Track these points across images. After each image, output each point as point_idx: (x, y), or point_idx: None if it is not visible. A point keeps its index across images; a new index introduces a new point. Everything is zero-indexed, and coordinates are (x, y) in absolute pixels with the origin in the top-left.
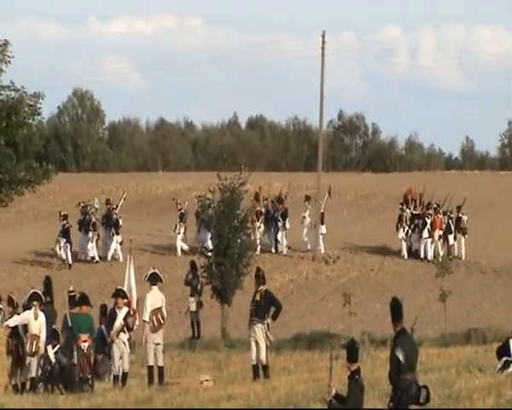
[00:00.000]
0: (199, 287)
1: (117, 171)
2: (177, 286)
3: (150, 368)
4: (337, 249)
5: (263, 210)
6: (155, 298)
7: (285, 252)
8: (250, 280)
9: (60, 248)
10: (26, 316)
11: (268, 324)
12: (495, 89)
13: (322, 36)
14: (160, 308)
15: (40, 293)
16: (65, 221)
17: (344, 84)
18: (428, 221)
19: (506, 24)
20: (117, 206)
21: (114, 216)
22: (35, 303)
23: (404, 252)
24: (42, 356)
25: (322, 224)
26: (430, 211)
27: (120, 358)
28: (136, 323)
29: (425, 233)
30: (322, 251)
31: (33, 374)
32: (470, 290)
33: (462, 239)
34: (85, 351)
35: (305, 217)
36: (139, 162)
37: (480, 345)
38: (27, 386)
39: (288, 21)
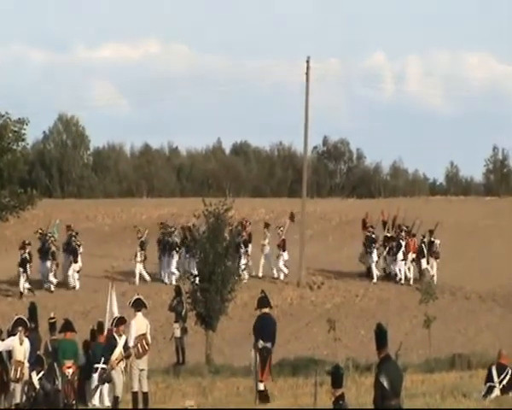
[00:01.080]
0: (183, 313)
1: (102, 196)
2: (161, 312)
3: (135, 394)
4: (321, 275)
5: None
6: (140, 324)
7: (246, 280)
8: (234, 306)
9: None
10: (11, 342)
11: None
12: (480, 114)
13: (307, 61)
14: (144, 334)
15: (25, 319)
16: (23, 250)
17: (329, 110)
18: (403, 244)
19: (492, 50)
20: (77, 233)
21: (74, 243)
22: (20, 329)
23: (375, 275)
24: (26, 382)
25: (284, 250)
26: (403, 234)
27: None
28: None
29: (400, 256)
30: (282, 277)
31: (17, 400)
32: (455, 316)
33: (435, 263)
34: (69, 377)
35: (264, 245)
36: (124, 188)
37: (464, 371)
38: None
39: (272, 47)
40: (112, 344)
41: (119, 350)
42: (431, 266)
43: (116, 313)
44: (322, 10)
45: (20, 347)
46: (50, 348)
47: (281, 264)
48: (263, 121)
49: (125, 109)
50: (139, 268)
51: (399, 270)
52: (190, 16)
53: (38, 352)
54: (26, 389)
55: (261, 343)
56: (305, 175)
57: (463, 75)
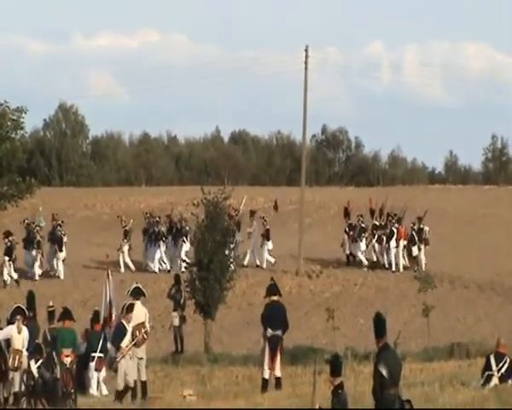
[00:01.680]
0: (182, 301)
1: (100, 185)
2: (160, 301)
3: (133, 383)
4: (320, 264)
5: None
6: (138, 313)
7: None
8: (233, 295)
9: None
10: (9, 331)
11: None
12: (479, 103)
13: (306, 50)
14: (143, 323)
15: (23, 307)
16: (6, 239)
17: (327, 99)
18: (395, 231)
19: (490, 39)
20: (62, 222)
21: (59, 233)
22: (18, 318)
23: (365, 262)
24: (25, 371)
25: (268, 240)
26: (394, 221)
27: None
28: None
29: (392, 243)
30: (264, 266)
31: (16, 389)
32: (453, 305)
33: (423, 250)
34: (68, 366)
35: (250, 232)
36: (122, 177)
37: (463, 359)
38: (10, 401)
39: (271, 36)
40: (121, 332)
41: (128, 338)
42: (420, 253)
43: (113, 301)
44: None
45: (18, 335)
46: (49, 337)
47: (265, 253)
48: (261, 110)
49: (124, 98)
50: (123, 257)
51: (394, 257)
52: (189, 5)
53: (37, 340)
54: (24, 377)
55: (270, 332)
56: (304, 164)
57: (462, 64)
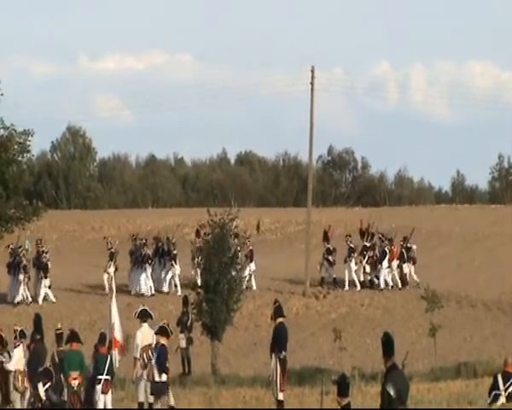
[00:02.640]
0: (189, 323)
1: (107, 207)
2: (168, 323)
3: (140, 405)
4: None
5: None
6: (146, 335)
7: None
8: (240, 316)
9: None
10: (18, 356)
11: (279, 356)
12: (485, 122)
13: (312, 71)
14: (150, 345)
15: (24, 330)
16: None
17: (334, 119)
18: (388, 251)
19: (495, 58)
20: (47, 248)
21: (44, 259)
22: (22, 341)
23: (357, 284)
24: (32, 394)
25: (251, 261)
26: (386, 241)
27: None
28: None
29: (385, 263)
30: (254, 288)
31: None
32: (460, 324)
33: (412, 268)
34: (75, 388)
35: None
36: (129, 198)
37: (470, 379)
38: None
39: (277, 56)
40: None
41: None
42: (411, 272)
43: (117, 324)
44: (327, 19)
45: (22, 358)
46: (57, 360)
47: (247, 274)
48: (268, 131)
49: (131, 120)
50: (109, 279)
51: (383, 277)
52: (195, 27)
53: (45, 363)
54: (32, 400)
55: (283, 354)
56: (311, 184)
57: (468, 83)
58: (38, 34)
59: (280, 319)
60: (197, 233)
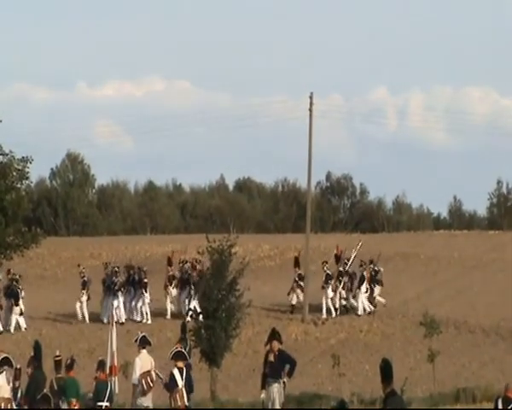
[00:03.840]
0: (187, 350)
1: (106, 234)
2: (166, 349)
3: None
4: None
5: (176, 274)
6: (144, 362)
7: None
8: (239, 342)
9: None
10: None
11: (284, 382)
12: (483, 148)
13: (310, 97)
14: (149, 371)
15: (10, 358)
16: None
17: (332, 145)
18: (366, 276)
19: (494, 84)
20: (19, 276)
21: (15, 288)
22: (5, 368)
23: (333, 310)
24: None
25: (196, 292)
26: (364, 267)
27: None
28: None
29: (363, 288)
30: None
31: None
32: (459, 350)
33: (379, 290)
34: None
35: None
36: (128, 225)
37: (469, 404)
38: None
39: (275, 83)
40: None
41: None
42: (378, 294)
43: (114, 351)
44: (325, 46)
45: (7, 385)
46: (56, 387)
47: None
48: (266, 157)
49: (130, 147)
50: (82, 308)
51: (361, 302)
52: (193, 53)
53: (45, 390)
54: None
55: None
56: (309, 211)
57: (466, 109)
58: (37, 61)
59: (280, 346)
60: (169, 261)
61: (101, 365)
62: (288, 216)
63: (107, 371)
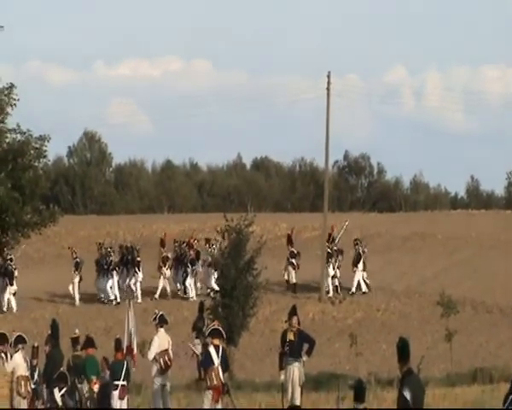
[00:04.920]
0: (204, 329)
1: (123, 213)
2: (183, 328)
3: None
4: (343, 290)
5: (169, 255)
6: (162, 340)
7: (195, 298)
8: (256, 321)
9: None
10: (17, 360)
11: (304, 362)
12: (501, 128)
13: (328, 77)
14: (166, 350)
15: (24, 336)
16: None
17: (349, 125)
18: (362, 255)
19: (511, 63)
20: (12, 258)
21: (9, 267)
22: (20, 346)
23: (331, 289)
24: (48, 399)
25: (216, 269)
26: (360, 245)
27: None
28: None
29: (360, 266)
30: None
31: None
32: (476, 330)
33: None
34: (96, 394)
35: (205, 260)
36: (145, 204)
37: (486, 384)
38: None
39: (293, 62)
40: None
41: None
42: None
43: (132, 330)
44: (342, 26)
45: (23, 363)
46: (73, 365)
47: (212, 282)
48: (283, 137)
49: (147, 126)
50: (73, 289)
51: (357, 280)
52: (211, 32)
53: (61, 368)
54: (48, 405)
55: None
56: (327, 190)
57: (483, 89)
58: (55, 41)
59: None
60: (162, 243)
61: (118, 344)
62: (305, 195)
63: (124, 350)
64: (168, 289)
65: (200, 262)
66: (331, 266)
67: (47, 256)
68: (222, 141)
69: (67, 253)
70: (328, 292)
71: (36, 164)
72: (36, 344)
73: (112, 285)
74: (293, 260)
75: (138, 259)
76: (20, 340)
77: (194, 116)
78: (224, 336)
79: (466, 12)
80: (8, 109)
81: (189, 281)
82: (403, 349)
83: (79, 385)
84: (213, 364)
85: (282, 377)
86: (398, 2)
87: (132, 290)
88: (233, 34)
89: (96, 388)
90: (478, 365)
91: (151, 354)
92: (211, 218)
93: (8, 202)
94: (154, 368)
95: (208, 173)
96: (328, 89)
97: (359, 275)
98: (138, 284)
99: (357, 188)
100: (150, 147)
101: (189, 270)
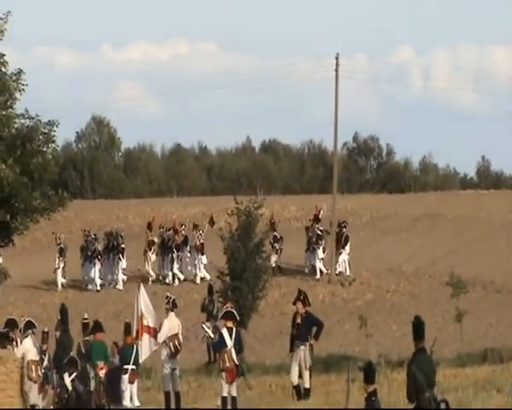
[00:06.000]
0: (214, 312)
1: (132, 197)
2: (192, 311)
3: (167, 394)
4: (352, 272)
5: (155, 239)
6: (172, 324)
7: (176, 283)
8: (266, 304)
9: None
10: (27, 345)
11: (311, 345)
12: (510, 108)
13: (336, 58)
14: (176, 334)
15: (33, 321)
16: None
17: (358, 107)
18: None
19: None
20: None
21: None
22: (29, 332)
23: (318, 272)
24: (58, 384)
25: (203, 254)
26: (346, 228)
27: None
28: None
29: (347, 248)
30: (202, 278)
31: (34, 401)
32: (486, 310)
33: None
34: (102, 379)
35: (192, 246)
36: (154, 188)
37: (496, 364)
38: None
39: (301, 44)
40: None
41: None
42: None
43: (147, 313)
44: (349, 5)
45: (33, 348)
46: (83, 350)
47: (201, 268)
48: (292, 119)
49: (156, 109)
50: (59, 274)
51: (341, 261)
52: (218, 15)
53: (71, 353)
54: (58, 390)
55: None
56: (336, 172)
57: (492, 69)
58: (62, 25)
59: (307, 308)
60: (149, 226)
61: (127, 328)
62: (314, 177)
63: (134, 334)
64: (152, 273)
65: (188, 248)
66: (321, 248)
67: (52, 240)
68: (231, 124)
69: (76, 237)
70: (321, 272)
71: (44, 149)
72: (46, 329)
73: (94, 273)
74: (276, 245)
75: (123, 246)
76: (29, 325)
77: (202, 99)
78: (237, 318)
79: None
80: (17, 95)
81: (176, 266)
82: (418, 328)
83: (90, 370)
84: (226, 346)
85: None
86: None
87: (117, 277)
88: (240, 17)
89: (102, 373)
90: (488, 345)
91: (161, 338)
92: (220, 201)
93: (17, 188)
94: (164, 352)
95: (217, 157)
96: (336, 70)
97: (345, 257)
98: (120, 272)
99: (367, 169)
100: (159, 131)
101: (174, 256)
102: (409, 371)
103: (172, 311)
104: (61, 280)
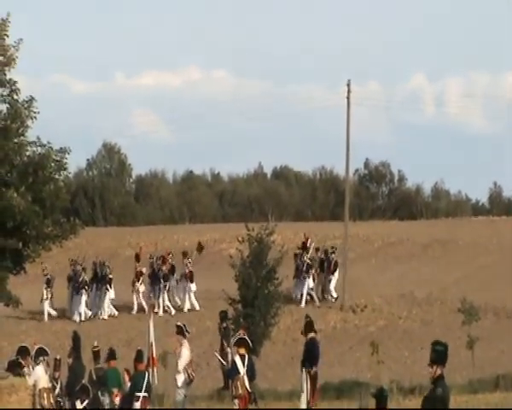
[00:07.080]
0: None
1: (144, 224)
2: (204, 338)
3: None
4: (364, 298)
5: (143, 270)
6: (188, 351)
7: (161, 313)
8: (278, 330)
9: None
10: (39, 373)
11: (309, 371)
12: None
13: (348, 85)
14: (191, 362)
15: (46, 348)
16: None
17: (370, 133)
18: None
19: None
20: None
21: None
22: (41, 359)
23: (303, 301)
24: None
25: (192, 282)
26: (334, 254)
27: None
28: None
29: (336, 274)
30: (197, 308)
31: None
32: (498, 336)
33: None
34: (116, 406)
35: (182, 274)
36: (166, 215)
37: (508, 391)
38: None
39: (313, 71)
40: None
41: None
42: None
43: (152, 342)
44: (362, 33)
45: (45, 375)
46: (95, 377)
47: (191, 296)
48: (303, 145)
49: (168, 136)
50: (46, 305)
51: (333, 287)
52: (230, 42)
53: (83, 381)
54: None
55: (314, 369)
56: (348, 198)
57: (504, 95)
58: (75, 52)
59: (311, 335)
60: (136, 257)
61: (139, 355)
62: (325, 204)
63: (146, 361)
64: (136, 304)
65: (176, 276)
66: (311, 278)
67: (68, 269)
68: (243, 150)
69: (88, 264)
70: (313, 299)
71: (56, 177)
72: (58, 357)
73: (80, 303)
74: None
75: (110, 276)
76: (41, 352)
77: (214, 126)
78: (250, 345)
79: (486, 18)
80: (29, 122)
81: (164, 297)
82: (443, 353)
83: (102, 397)
84: (239, 373)
85: None
86: (419, 7)
87: (103, 307)
88: (253, 43)
89: (117, 400)
90: (500, 371)
91: (181, 365)
92: (232, 228)
93: (29, 215)
94: (182, 378)
95: (229, 183)
96: (348, 97)
97: (334, 283)
98: (108, 302)
99: (378, 196)
100: (171, 157)
101: (161, 286)
102: (434, 394)
103: (185, 338)
104: (48, 310)
